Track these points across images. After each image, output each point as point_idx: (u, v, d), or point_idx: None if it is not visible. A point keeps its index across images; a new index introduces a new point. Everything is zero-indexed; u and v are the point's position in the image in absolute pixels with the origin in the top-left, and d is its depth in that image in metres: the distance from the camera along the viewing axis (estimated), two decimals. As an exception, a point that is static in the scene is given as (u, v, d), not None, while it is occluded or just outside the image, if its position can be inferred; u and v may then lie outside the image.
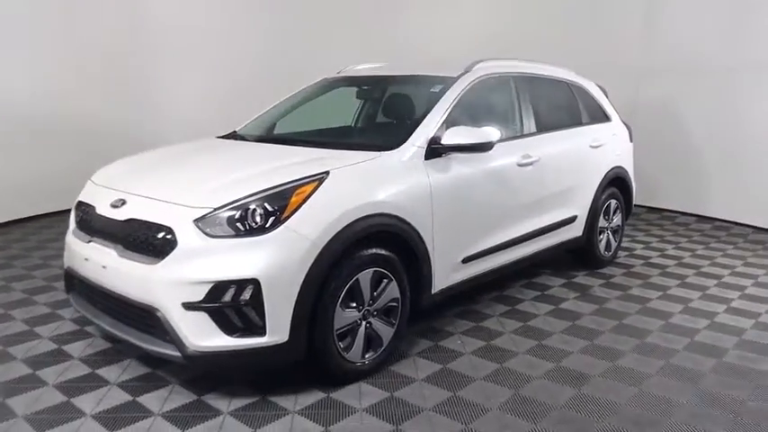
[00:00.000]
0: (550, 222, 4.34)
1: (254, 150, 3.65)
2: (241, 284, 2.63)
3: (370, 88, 4.55)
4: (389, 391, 2.99)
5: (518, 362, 3.33)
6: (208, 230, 2.68)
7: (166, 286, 2.66)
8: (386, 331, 3.18)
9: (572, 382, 3.10)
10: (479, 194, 3.68)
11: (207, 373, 3.08)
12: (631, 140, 5.39)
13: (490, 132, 3.49)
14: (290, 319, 2.71)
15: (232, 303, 2.64)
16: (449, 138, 3.40)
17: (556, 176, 4.34)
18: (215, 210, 2.71)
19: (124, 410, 2.78)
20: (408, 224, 3.18)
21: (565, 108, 4.82)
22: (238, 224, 2.70)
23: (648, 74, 7.42)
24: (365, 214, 2.95)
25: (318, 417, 2.75)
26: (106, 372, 3.13)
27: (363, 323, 3.06)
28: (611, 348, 3.52)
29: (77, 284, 3.24)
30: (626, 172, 5.21)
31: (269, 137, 3.94)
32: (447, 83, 3.79)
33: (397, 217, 3.11)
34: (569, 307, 4.18)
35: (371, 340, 3.12)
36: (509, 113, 4.20)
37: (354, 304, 2.99)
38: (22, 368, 3.16)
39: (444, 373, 3.20)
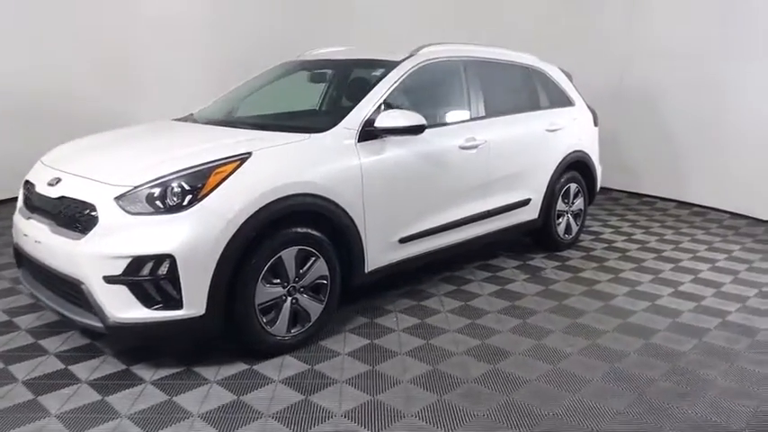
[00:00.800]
0: (500, 205, 4.41)
1: (195, 132, 3.76)
2: (158, 259, 2.75)
3: (322, 72, 4.63)
4: (310, 364, 3.11)
5: (445, 339, 3.43)
6: (128, 208, 2.81)
7: (89, 260, 2.80)
8: (314, 307, 3.29)
9: (490, 359, 3.19)
10: (416, 176, 3.75)
11: (142, 346, 3.22)
12: (596, 125, 5.41)
13: (421, 116, 3.55)
14: (206, 293, 2.83)
15: (150, 277, 2.77)
16: (381, 121, 3.48)
17: (505, 160, 4.39)
18: (135, 188, 2.84)
19: (55, 377, 2.93)
20: (335, 204, 3.27)
21: (520, 92, 4.85)
22: (157, 202, 2.82)
23: (632, 60, 7.38)
24: (285, 194, 3.05)
25: (235, 386, 2.88)
26: (48, 342, 3.29)
27: (289, 299, 3.17)
28: (540, 328, 3.60)
29: (24, 260, 3.40)
30: (588, 156, 5.23)
31: (217, 120, 4.04)
32: (388, 67, 3.86)
33: (321, 197, 3.20)
34: (515, 288, 4.25)
35: (298, 315, 3.24)
36: (455, 97, 4.26)
37: (278, 280, 3.11)
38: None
39: (369, 348, 3.30)
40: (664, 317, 3.80)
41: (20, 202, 3.50)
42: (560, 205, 5.04)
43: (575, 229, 5.26)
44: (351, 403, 2.76)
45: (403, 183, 3.67)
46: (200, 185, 2.86)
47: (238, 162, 2.99)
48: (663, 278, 4.54)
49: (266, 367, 3.07)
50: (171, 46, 7.24)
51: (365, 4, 8.44)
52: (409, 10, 8.60)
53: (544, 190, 4.82)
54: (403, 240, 3.73)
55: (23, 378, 2.92)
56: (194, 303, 2.82)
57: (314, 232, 3.22)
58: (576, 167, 5.16)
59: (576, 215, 5.25)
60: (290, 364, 3.11)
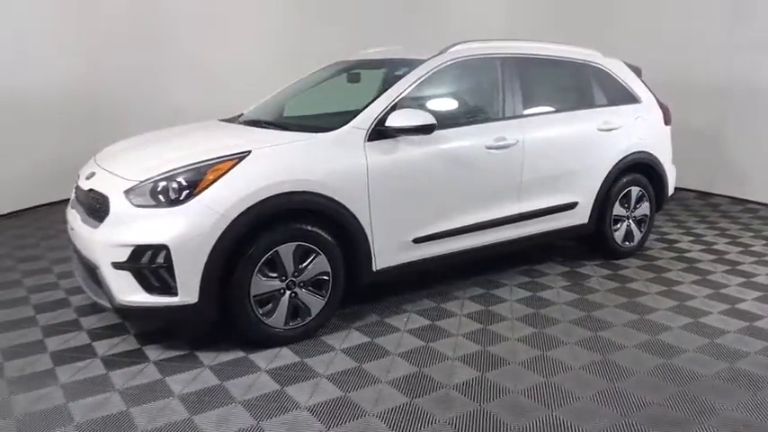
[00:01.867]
0: (537, 208, 4.22)
1: (223, 132, 3.97)
2: (156, 249, 2.98)
3: (357, 73, 4.68)
4: (302, 357, 3.21)
5: (446, 343, 3.37)
6: (134, 200, 3.07)
7: (102, 247, 3.09)
8: (315, 302, 3.38)
9: (482, 367, 3.09)
10: (433, 176, 3.70)
11: (166, 329, 3.49)
12: (667, 123, 4.99)
13: (431, 115, 3.50)
14: (198, 282, 3.02)
15: (149, 265, 3.01)
16: (392, 120, 3.49)
17: (544, 161, 4.19)
18: (141, 182, 3.09)
19: (77, 351, 3.27)
20: (336, 202, 3.33)
21: (569, 90, 4.61)
22: (159, 196, 3.05)
23: (741, 52, 6.67)
24: (280, 192, 3.16)
25: (223, 372, 3.04)
26: (85, 320, 3.67)
27: (288, 293, 3.29)
28: (555, 338, 3.42)
29: (72, 247, 3.81)
30: (654, 158, 4.84)
31: (256, 120, 4.19)
32: (413, 65, 3.85)
33: (319, 194, 3.27)
34: (548, 296, 4.06)
35: (298, 309, 3.34)
36: (485, 96, 4.15)
37: (276, 274, 3.23)
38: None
39: (366, 346, 3.33)
40: (699, 335, 3.45)
41: (72, 194, 3.92)
42: (618, 210, 4.71)
43: (637, 236, 4.89)
44: (321, 397, 2.82)
45: (417, 182, 3.64)
46: (197, 181, 3.05)
47: (236, 160, 3.15)
48: (723, 294, 4.10)
49: (260, 357, 3.20)
50: (247, 43, 7.61)
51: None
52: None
53: (595, 193, 4.53)
54: (418, 240, 3.71)
55: (53, 348, 3.29)
56: (188, 291, 3.02)
57: (314, 229, 3.30)
58: (639, 170, 4.80)
59: (639, 221, 4.88)
60: (283, 356, 3.22)
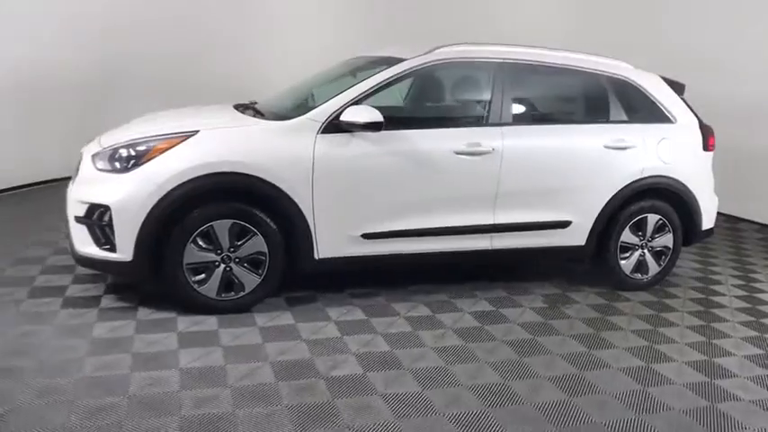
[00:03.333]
0: (517, 221, 4.03)
1: (212, 113, 4.17)
2: (103, 209, 3.38)
3: (359, 68, 4.73)
4: (218, 326, 3.42)
5: (353, 341, 3.40)
6: (97, 164, 3.49)
7: (70, 202, 3.56)
8: (249, 279, 3.58)
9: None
10: (388, 174, 3.71)
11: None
12: (707, 149, 4.47)
13: (379, 113, 3.53)
14: (133, 243, 3.36)
15: (98, 222, 3.41)
16: (346, 115, 3.58)
17: (528, 172, 4.00)
18: (104, 149, 3.50)
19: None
20: (276, 187, 3.49)
21: (576, 101, 4.31)
22: (115, 162, 3.44)
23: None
24: (219, 171, 3.40)
25: (145, 327, 3.35)
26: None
27: (222, 266, 3.53)
28: (460, 351, 3.30)
29: None
30: (681, 185, 4.35)
31: (255, 107, 4.36)
32: (392, 64, 3.88)
33: (258, 178, 3.45)
34: (509, 314, 3.87)
35: (232, 283, 3.57)
36: (466, 101, 4.05)
37: (211, 246, 3.48)
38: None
39: (281, 329, 3.45)
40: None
41: None
42: (628, 237, 4.33)
43: (653, 269, 4.44)
44: (187, 360, 3.03)
45: (368, 179, 3.69)
46: (144, 153, 3.39)
47: (184, 137, 3.44)
48: (714, 363, 3.50)
49: (187, 321, 3.45)
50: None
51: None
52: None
53: (596, 214, 4.21)
54: (368, 236, 3.75)
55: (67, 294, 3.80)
56: (124, 250, 3.37)
57: (252, 209, 3.49)
58: (661, 196, 4.36)
59: (658, 253, 4.43)
60: (202, 321, 3.45)
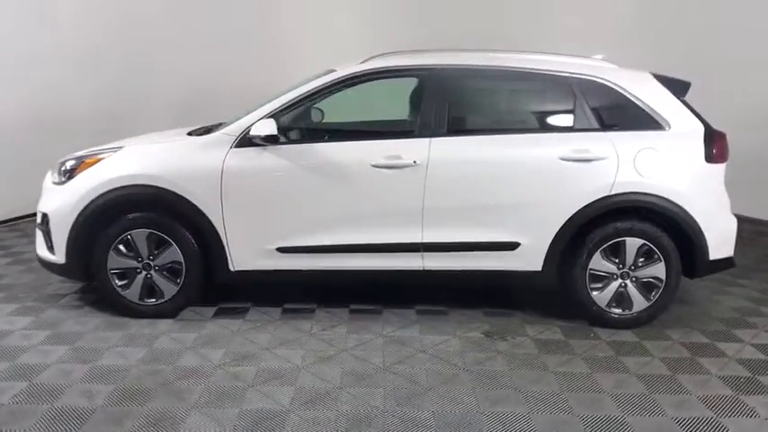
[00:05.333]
0: (450, 240, 3.68)
1: (162, 135, 4.32)
2: (46, 216, 3.82)
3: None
4: (125, 330, 3.64)
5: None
6: (53, 177, 3.95)
7: (37, 211, 4.09)
8: (168, 287, 3.77)
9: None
10: (300, 188, 3.64)
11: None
12: (712, 160, 3.66)
13: (274, 127, 3.51)
14: (65, 248, 3.74)
15: (45, 228, 3.86)
16: (253, 129, 3.62)
17: (461, 186, 3.64)
18: (58, 164, 3.96)
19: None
20: (185, 200, 3.64)
21: (530, 108, 3.82)
22: (60, 176, 3.87)
23: None
24: (132, 183, 3.64)
25: (58, 323, 3.73)
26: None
27: (143, 273, 3.76)
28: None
29: None
30: (673, 203, 3.61)
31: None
32: (320, 77, 3.83)
33: (167, 190, 3.62)
34: (371, 357, 3.46)
35: (153, 289, 3.79)
36: (390, 112, 3.82)
37: (132, 254, 3.74)
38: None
39: (206, 336, 3.58)
40: None
41: None
42: (601, 264, 3.70)
43: (639, 303, 3.73)
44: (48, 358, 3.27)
45: (280, 192, 3.66)
46: (76, 167, 3.78)
47: (109, 153, 3.76)
48: (657, 401, 2.95)
49: (110, 321, 3.75)
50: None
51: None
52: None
53: (552, 235, 3.67)
54: (283, 250, 3.72)
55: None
56: (60, 253, 3.77)
57: (167, 220, 3.68)
58: (646, 217, 3.66)
59: (646, 285, 3.72)
60: (121, 324, 3.71)
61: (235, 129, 3.71)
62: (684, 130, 3.68)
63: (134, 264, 3.75)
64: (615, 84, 3.72)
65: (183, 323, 3.75)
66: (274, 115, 3.67)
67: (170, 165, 3.69)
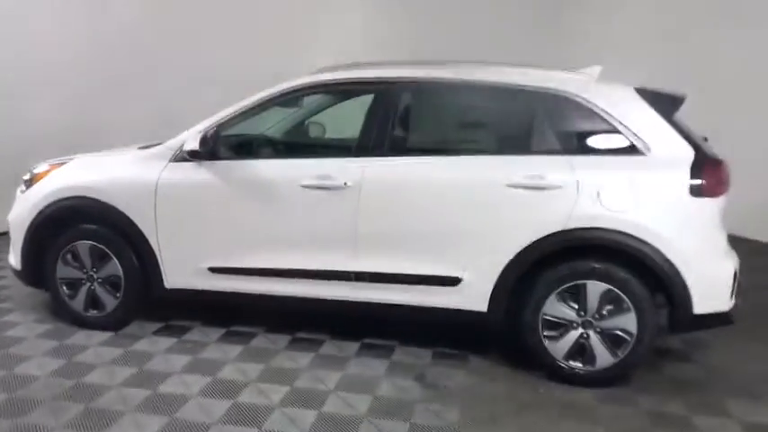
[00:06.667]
0: (384, 271, 3.33)
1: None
2: (8, 224, 3.95)
3: None
4: (59, 339, 3.66)
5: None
6: (21, 188, 4.07)
7: None
8: (109, 300, 3.75)
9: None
10: (229, 207, 3.47)
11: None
12: (701, 192, 3.01)
13: (195, 142, 3.36)
14: (20, 255, 3.84)
15: (8, 235, 3.99)
16: (186, 144, 3.50)
17: (395, 212, 3.28)
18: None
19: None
20: (121, 213, 3.59)
21: (483, 126, 3.36)
22: (23, 185, 3.97)
23: None
24: (74, 195, 3.65)
25: (15, 329, 3.81)
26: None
27: (88, 284, 3.77)
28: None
29: None
30: (645, 244, 3.00)
31: None
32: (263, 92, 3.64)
33: (105, 203, 3.60)
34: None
35: (96, 301, 3.78)
36: (325, 128, 3.53)
37: (77, 264, 3.76)
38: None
39: (128, 354, 3.50)
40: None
41: None
42: (558, 309, 3.18)
43: (603, 359, 3.16)
44: None
45: (211, 210, 3.51)
46: (32, 178, 3.86)
47: (59, 164, 3.82)
48: None
49: (57, 331, 3.77)
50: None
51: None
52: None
53: (498, 272, 3.20)
54: (214, 270, 3.56)
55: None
56: (17, 261, 3.88)
57: (107, 232, 3.66)
58: (613, 257, 3.09)
59: (613, 338, 3.14)
60: (61, 332, 3.74)
61: (176, 142, 3.61)
62: (667, 157, 3.07)
63: (79, 274, 3.77)
64: (584, 99, 3.18)
65: (115, 338, 3.70)
66: (218, 128, 3.52)
67: (108, 177, 3.66)
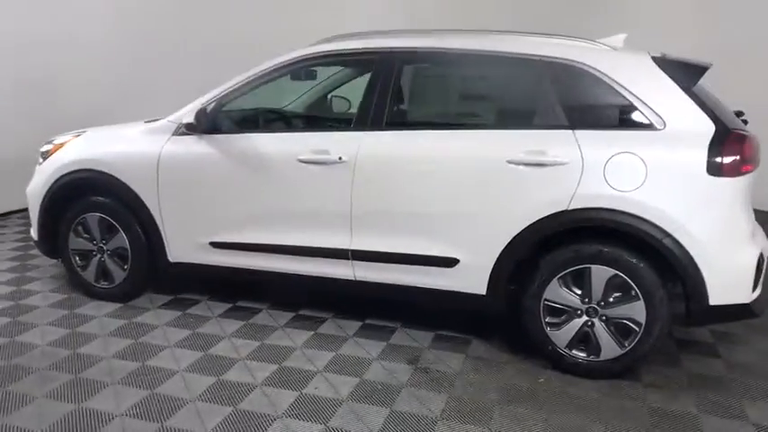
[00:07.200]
0: (379, 249, 3.21)
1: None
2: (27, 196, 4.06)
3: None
4: (70, 309, 3.74)
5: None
6: (39, 159, 4.17)
7: None
8: (117, 272, 3.80)
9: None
10: (229, 181, 3.42)
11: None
12: (720, 172, 2.72)
13: (193, 114, 3.31)
14: (37, 227, 3.94)
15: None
16: (184, 117, 3.48)
17: (389, 188, 3.14)
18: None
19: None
20: (125, 186, 3.61)
21: (484, 98, 3.15)
22: (40, 157, 4.06)
23: None
24: (83, 168, 3.70)
25: (31, 298, 3.93)
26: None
27: (98, 256, 3.84)
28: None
29: None
30: (656, 227, 2.75)
31: None
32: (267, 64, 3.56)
33: (112, 176, 3.62)
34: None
35: (106, 273, 3.85)
36: (328, 101, 3.41)
37: (88, 236, 3.83)
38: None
39: (130, 325, 3.55)
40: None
41: None
42: (559, 295, 2.97)
43: (609, 350, 2.93)
44: None
45: (211, 184, 3.48)
46: (48, 150, 3.94)
47: (74, 137, 3.87)
48: None
49: (65, 300, 3.89)
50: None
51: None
52: None
53: (496, 254, 3.02)
54: (216, 245, 3.54)
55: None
56: (35, 231, 3.99)
57: (116, 205, 3.70)
58: (620, 240, 2.85)
59: (620, 328, 2.92)
60: (68, 303, 3.83)
61: (179, 116, 3.59)
62: (684, 131, 2.78)
63: (90, 246, 3.83)
64: (594, 68, 2.92)
65: (123, 310, 3.76)
66: (219, 101, 3.47)
67: (114, 150, 3.69)
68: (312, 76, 4.06)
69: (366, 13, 7.29)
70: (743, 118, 3.33)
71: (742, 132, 2.77)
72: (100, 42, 6.54)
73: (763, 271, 2.94)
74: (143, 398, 2.77)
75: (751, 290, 2.80)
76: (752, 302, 2.82)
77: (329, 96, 4.14)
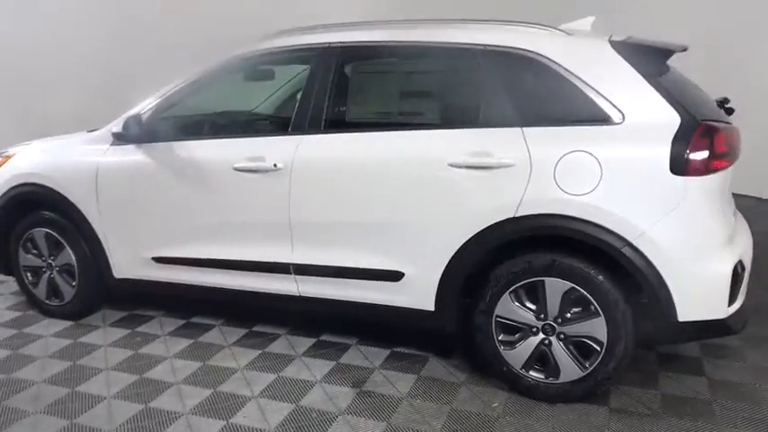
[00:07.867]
0: (319, 263, 2.96)
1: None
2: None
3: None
4: (19, 328, 3.60)
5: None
6: None
7: None
8: (66, 289, 3.64)
9: (14, 400, 2.82)
10: (166, 193, 3.21)
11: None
12: (685, 170, 2.38)
13: (121, 122, 3.11)
14: (-10, 244, 3.82)
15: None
16: (114, 126, 3.29)
17: (327, 197, 2.89)
18: None
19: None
20: (66, 199, 3.43)
21: (428, 94, 2.85)
22: None
23: None
24: (25, 182, 3.54)
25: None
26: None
27: (48, 272, 3.69)
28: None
29: None
30: (611, 236, 2.43)
31: None
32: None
33: (51, 189, 3.46)
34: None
35: (56, 290, 3.69)
36: (272, 102, 3.16)
37: (36, 252, 3.68)
38: None
39: (73, 346, 3.39)
40: None
41: None
42: (507, 309, 2.67)
43: (569, 371, 2.63)
44: None
45: (148, 196, 3.28)
46: (1, 162, 3.80)
47: (19, 151, 3.72)
48: None
49: (21, 319, 3.76)
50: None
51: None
52: None
53: (442, 267, 2.74)
54: (158, 260, 3.35)
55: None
56: (-12, 248, 3.87)
57: (59, 219, 3.53)
58: (577, 250, 2.54)
59: (580, 347, 2.61)
60: (22, 321, 3.69)
61: (115, 123, 3.40)
62: (645, 124, 2.44)
63: (39, 263, 3.69)
64: (544, 56, 2.60)
65: (72, 328, 3.60)
66: (156, 106, 3.27)
67: (53, 162, 3.53)
68: (269, 76, 3.84)
69: (358, 5, 7.00)
70: (728, 106, 2.96)
71: (712, 124, 2.42)
72: (82, 43, 6.45)
73: (745, 281, 2.59)
74: (60, 428, 2.59)
75: (726, 303, 2.45)
76: (729, 317, 2.47)
77: (270, 97, 3.91)
